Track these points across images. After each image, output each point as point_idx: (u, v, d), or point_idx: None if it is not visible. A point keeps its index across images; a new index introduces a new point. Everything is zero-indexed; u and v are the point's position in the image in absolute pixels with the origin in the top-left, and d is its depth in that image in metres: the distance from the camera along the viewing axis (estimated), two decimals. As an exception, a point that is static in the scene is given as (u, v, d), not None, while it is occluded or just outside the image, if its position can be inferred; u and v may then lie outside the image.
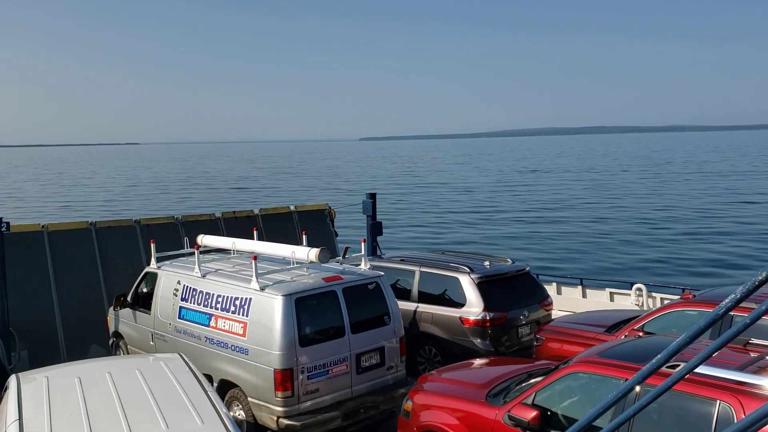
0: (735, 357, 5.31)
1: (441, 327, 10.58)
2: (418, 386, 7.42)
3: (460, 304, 10.44)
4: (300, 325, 7.96)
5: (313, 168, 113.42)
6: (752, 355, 5.35)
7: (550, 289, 13.83)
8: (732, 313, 7.02)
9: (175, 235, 12.55)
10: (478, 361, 8.19)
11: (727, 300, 3.13)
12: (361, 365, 8.51)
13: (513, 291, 10.75)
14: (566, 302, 13.74)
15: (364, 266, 9.52)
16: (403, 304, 10.71)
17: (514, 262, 11.48)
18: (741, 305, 5.99)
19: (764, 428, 4.23)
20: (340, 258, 10.11)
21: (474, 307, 10.27)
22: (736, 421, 4.56)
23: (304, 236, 10.87)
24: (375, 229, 14.68)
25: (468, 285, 10.42)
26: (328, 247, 9.30)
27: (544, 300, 11.17)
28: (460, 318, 10.35)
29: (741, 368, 5.00)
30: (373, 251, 14.41)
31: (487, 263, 10.98)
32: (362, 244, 10.29)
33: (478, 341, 10.18)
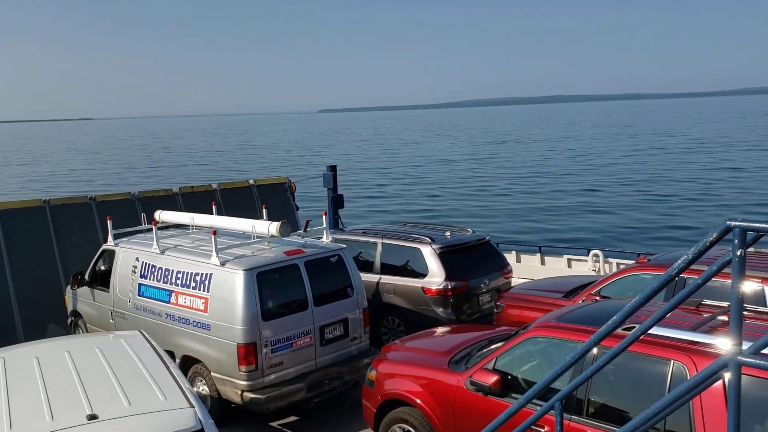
0: (688, 318, 5.45)
1: (404, 297, 10.68)
2: (382, 356, 7.49)
3: (422, 275, 10.54)
4: (262, 299, 7.94)
5: (273, 141, 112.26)
6: (704, 315, 5.51)
7: (510, 257, 14.04)
8: (686, 276, 7.24)
9: (132, 212, 12.36)
10: (440, 329, 8.30)
11: (678, 261, 3.22)
12: (325, 337, 8.55)
13: (474, 260, 10.89)
14: (525, 270, 13.97)
15: (325, 239, 9.52)
16: (366, 276, 10.78)
17: (474, 232, 11.60)
18: (693, 268, 6.20)
19: (715, 385, 4.42)
20: (302, 231, 10.07)
21: (436, 277, 10.38)
22: (689, 378, 4.72)
23: (264, 210, 10.80)
24: (336, 201, 14.66)
25: (429, 255, 10.52)
26: (289, 221, 9.26)
27: (503, 268, 11.34)
28: (422, 288, 10.46)
29: (694, 328, 5.14)
30: (334, 224, 14.41)
31: (448, 233, 11.08)
32: (324, 217, 10.28)
33: (440, 310, 10.31)
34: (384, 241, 11.18)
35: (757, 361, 2.89)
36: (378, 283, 10.98)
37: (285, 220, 8.98)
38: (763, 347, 3.60)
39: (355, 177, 47.06)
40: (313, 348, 8.42)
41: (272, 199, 14.11)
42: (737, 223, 2.92)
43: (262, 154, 78.45)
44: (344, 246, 9.14)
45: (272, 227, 8.74)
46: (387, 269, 11.00)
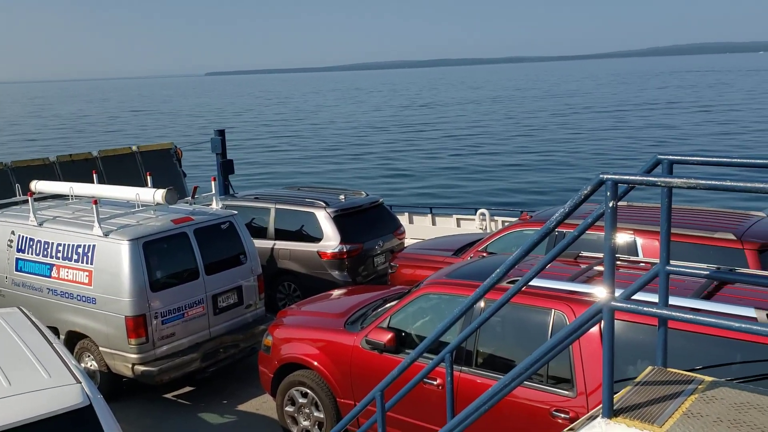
0: (567, 269, 5.76)
1: (299, 262, 10.66)
2: (278, 321, 7.48)
3: (317, 239, 10.55)
4: (150, 269, 7.70)
5: (156, 106, 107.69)
6: (582, 266, 5.83)
7: (402, 219, 14.29)
8: (565, 230, 7.63)
9: (5, 183, 11.56)
10: (336, 292, 8.37)
11: (555, 215, 3.38)
12: (219, 306, 8.43)
13: (368, 223, 11.00)
14: (418, 230, 14.28)
15: (215, 206, 9.31)
16: (260, 242, 10.67)
17: (368, 195, 11.69)
18: (571, 222, 6.51)
19: (590, 331, 4.72)
20: (190, 198, 9.79)
21: (331, 241, 10.42)
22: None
23: (149, 178, 10.40)
24: (226, 167, 14.33)
25: (324, 219, 10.53)
26: (176, 188, 8.99)
27: (396, 230, 11.53)
28: (317, 252, 10.47)
29: (572, 279, 5.45)
30: (225, 190, 14.10)
31: (342, 197, 11.11)
32: (213, 183, 10.03)
33: (336, 273, 10.38)
34: (277, 206, 11.07)
35: (628, 306, 3.10)
36: (272, 249, 10.89)
37: (171, 187, 8.70)
38: (634, 293, 3.89)
39: (248, 141, 46.08)
40: (206, 317, 8.28)
41: (157, 166, 13.57)
42: (609, 176, 3.09)
43: (146, 120, 75.13)
44: (235, 212, 8.98)
45: (158, 195, 8.44)
46: (281, 235, 10.92)
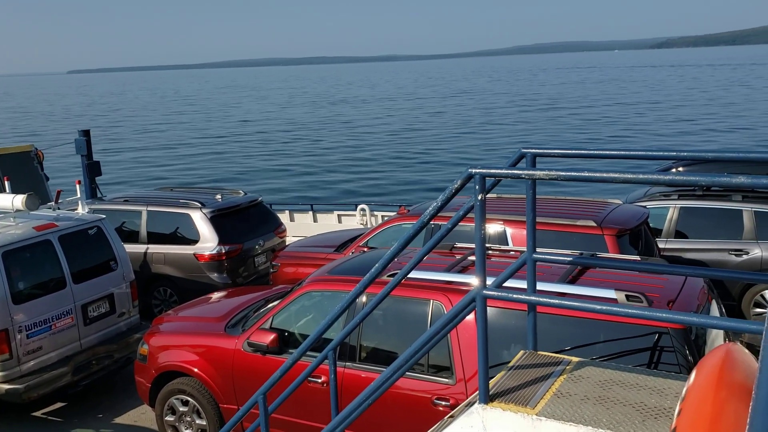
0: (443, 260, 5.94)
1: (175, 266, 10.32)
2: (154, 328, 7.21)
3: (193, 241, 10.25)
4: (11, 280, 7.19)
5: (13, 105, 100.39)
6: (457, 257, 6.03)
7: (283, 217, 14.16)
8: (440, 223, 7.85)
9: None
10: (215, 295, 8.16)
11: (428, 209, 3.48)
12: (89, 316, 8.00)
13: (247, 222, 10.82)
14: (299, 228, 14.21)
15: (81, 210, 8.82)
16: (132, 247, 10.23)
17: (246, 194, 11.49)
18: (445, 214, 6.70)
19: (467, 318, 4.89)
20: (53, 204, 9.22)
21: (208, 242, 10.16)
22: (446, 315, 5.17)
23: (6, 182, 9.68)
24: (92, 169, 13.60)
25: (200, 220, 10.24)
26: (38, 193, 8.44)
27: (277, 228, 11.41)
28: (194, 254, 10.18)
29: (448, 269, 5.62)
30: (92, 193, 13.39)
31: (218, 196, 10.85)
32: (78, 186, 9.50)
33: (215, 275, 10.14)
34: (149, 208, 10.64)
35: (499, 293, 3.24)
36: (146, 253, 10.47)
37: (32, 192, 8.17)
38: (505, 281, 4.06)
39: (116, 142, 43.93)
40: (75, 328, 7.84)
41: (16, 169, 12.64)
42: (477, 171, 3.21)
43: (1, 120, 69.91)
44: (104, 216, 8.55)
45: (17, 201, 7.90)
46: (154, 238, 10.52)
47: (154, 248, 10.45)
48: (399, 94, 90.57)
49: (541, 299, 3.17)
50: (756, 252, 8.75)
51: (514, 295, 3.21)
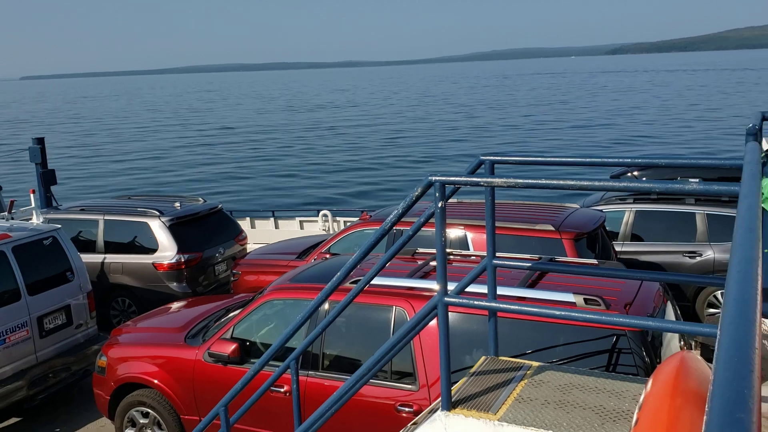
0: (406, 266, 5.96)
1: (133, 276, 10.15)
2: (112, 340, 7.08)
3: (152, 250, 10.10)
4: (-38, 294, 6.99)
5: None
6: (419, 262, 6.06)
7: (244, 224, 14.05)
8: (402, 228, 7.89)
9: None
10: (175, 305, 8.05)
11: (390, 216, 3.50)
12: (45, 328, 7.81)
13: (207, 230, 10.70)
14: (260, 235, 14.11)
15: (36, 220, 8.63)
16: (89, 257, 10.04)
17: (206, 201, 11.37)
18: (407, 220, 6.72)
19: (429, 325, 4.92)
20: (6, 213, 8.99)
21: (167, 251, 10.01)
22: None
23: (-44, 193, 9.44)
24: (47, 177, 13.30)
25: (159, 228, 10.10)
26: (-10, 203, 8.22)
27: (238, 235, 11.31)
28: (153, 264, 10.02)
29: (411, 275, 5.64)
30: (47, 203, 13.09)
31: (177, 204, 10.71)
32: (32, 195, 9.29)
33: (174, 285, 10.00)
34: (106, 217, 10.45)
35: (460, 300, 3.27)
36: (103, 263, 10.27)
37: (-16, 203, 7.95)
38: (466, 287, 4.10)
39: (72, 150, 43.02)
40: (31, 341, 7.65)
41: (-34, 179, 12.34)
42: (437, 178, 3.24)
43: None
44: (59, 226, 8.37)
45: (-32, 212, 7.69)
46: (112, 247, 10.33)
47: (112, 258, 10.27)
48: (362, 99, 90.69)
49: (501, 305, 3.21)
50: (709, 254, 8.99)
51: (475, 302, 3.25)
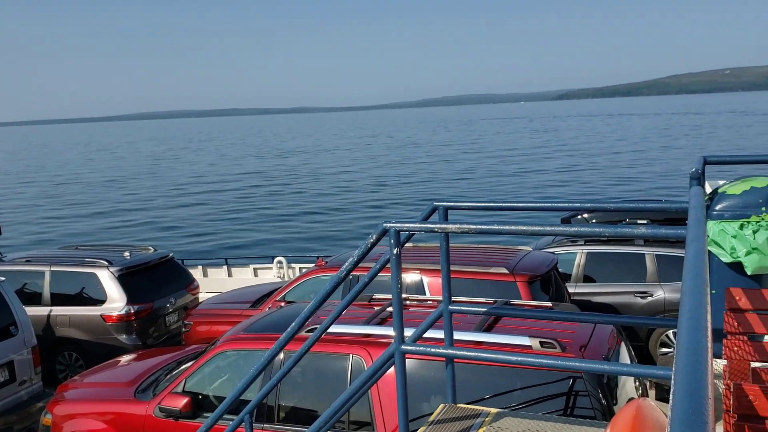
0: (362, 313, 5.92)
1: (81, 329, 9.83)
2: (58, 396, 6.79)
3: (100, 301, 9.82)
4: None
5: None
6: (376, 308, 6.02)
7: (196, 272, 13.80)
8: (359, 274, 7.85)
9: None
10: (124, 358, 7.80)
11: (345, 264, 3.48)
12: (-14, 386, 7.47)
13: (157, 279, 10.47)
14: (213, 284, 13.86)
15: (-22, 273, 8.32)
16: (34, 310, 9.72)
17: (156, 250, 11.15)
18: (363, 264, 6.69)
19: (388, 372, 4.86)
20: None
21: (116, 302, 9.75)
22: (366, 369, 5.12)
23: None
24: (-10, 229, 12.89)
25: (108, 279, 9.84)
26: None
27: (189, 284, 11.09)
28: (101, 315, 9.74)
29: (367, 322, 5.59)
30: (-10, 255, 12.66)
31: (126, 254, 10.48)
32: (-26, 248, 8.98)
33: (123, 337, 9.71)
34: (53, 268, 10.14)
35: (417, 348, 3.25)
36: (49, 315, 9.93)
37: None
38: (422, 335, 4.08)
39: (10, 201, 41.87)
40: (-30, 400, 7.30)
41: None
42: (392, 225, 3.25)
43: None
44: (2, 279, 8.09)
45: None
46: (59, 299, 10.01)
47: (59, 310, 9.94)
48: (314, 145, 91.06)
49: (458, 352, 3.19)
50: (659, 293, 9.17)
51: (432, 349, 3.23)
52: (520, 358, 3.00)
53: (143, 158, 78.61)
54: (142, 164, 69.01)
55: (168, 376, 6.46)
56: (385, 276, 7.31)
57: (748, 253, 3.01)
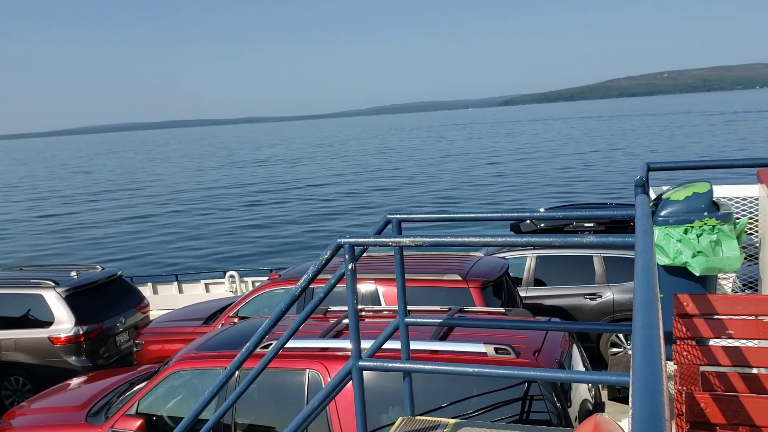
0: (318, 326, 5.89)
1: (27, 352, 9.52)
2: (5, 424, 6.56)
3: (47, 323, 9.53)
4: None
5: None
6: (331, 321, 6.00)
7: (146, 290, 13.53)
8: (314, 286, 7.82)
9: None
10: (74, 381, 7.58)
11: (301, 281, 3.46)
12: (-75, 417, 7.17)
13: (106, 299, 10.22)
14: (164, 301, 13.60)
15: None
16: (-24, 335, 9.37)
17: (104, 269, 10.89)
18: (318, 278, 6.66)
19: (347, 386, 4.85)
20: None
21: (64, 323, 9.48)
22: (324, 384, 5.10)
23: None
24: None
25: (55, 300, 9.56)
26: None
27: (139, 302, 10.86)
28: (49, 338, 9.45)
29: (323, 335, 5.57)
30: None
31: (73, 273, 10.21)
32: None
33: (73, 359, 9.45)
34: (-4, 291, 9.81)
35: (374, 364, 3.25)
36: (-7, 340, 9.60)
37: None
38: (378, 349, 4.09)
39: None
40: None
41: None
42: (346, 240, 3.25)
43: None
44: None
45: None
46: (3, 323, 9.68)
47: (3, 334, 9.61)
48: (261, 155, 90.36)
49: (415, 366, 3.21)
50: (608, 294, 9.39)
51: (390, 365, 3.24)
52: (476, 370, 3.04)
53: (77, 175, 76.70)
54: (77, 181, 67.39)
55: (120, 398, 6.31)
56: (340, 287, 7.29)
57: (694, 255, 3.11)
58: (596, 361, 9.28)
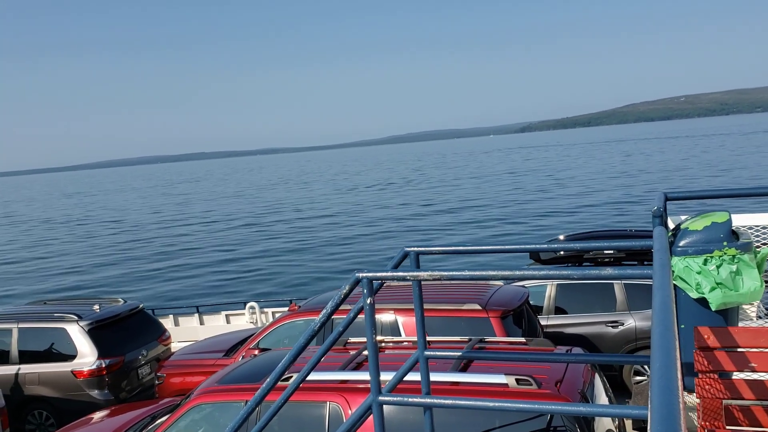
0: (338, 358, 5.89)
1: (51, 386, 9.60)
2: (28, 459, 6.61)
3: (71, 356, 9.63)
4: None
5: None
6: (351, 353, 6.00)
7: (167, 322, 13.60)
8: (334, 317, 7.83)
9: None
10: (97, 415, 7.63)
11: (320, 315, 3.49)
12: (-49, 452, 7.24)
13: (128, 332, 10.31)
14: (185, 333, 13.66)
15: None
16: (2, 369, 9.54)
17: (126, 302, 10.99)
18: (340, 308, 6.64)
19: (369, 419, 4.84)
20: None
21: (87, 357, 9.56)
22: (344, 417, 5.09)
23: None
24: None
25: (78, 334, 9.66)
26: None
27: (161, 335, 10.93)
28: (72, 371, 9.53)
29: (344, 368, 5.57)
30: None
31: (96, 307, 10.32)
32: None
33: (95, 393, 9.51)
34: (20, 325, 9.93)
35: (394, 399, 3.25)
36: (17, 374, 9.69)
37: None
38: (398, 382, 4.09)
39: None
40: (-65, 469, 7.06)
41: None
42: (364, 275, 3.28)
43: None
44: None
45: None
46: (27, 357, 9.78)
47: (27, 368, 9.71)
48: (280, 186, 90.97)
49: (435, 401, 3.21)
50: (630, 322, 9.29)
51: (410, 399, 3.24)
52: (497, 404, 3.03)
53: (86, 209, 77.62)
54: (105, 214, 68.16)
55: (142, 433, 6.34)
56: (359, 318, 7.30)
57: (712, 289, 3.10)
58: (619, 389, 9.15)
